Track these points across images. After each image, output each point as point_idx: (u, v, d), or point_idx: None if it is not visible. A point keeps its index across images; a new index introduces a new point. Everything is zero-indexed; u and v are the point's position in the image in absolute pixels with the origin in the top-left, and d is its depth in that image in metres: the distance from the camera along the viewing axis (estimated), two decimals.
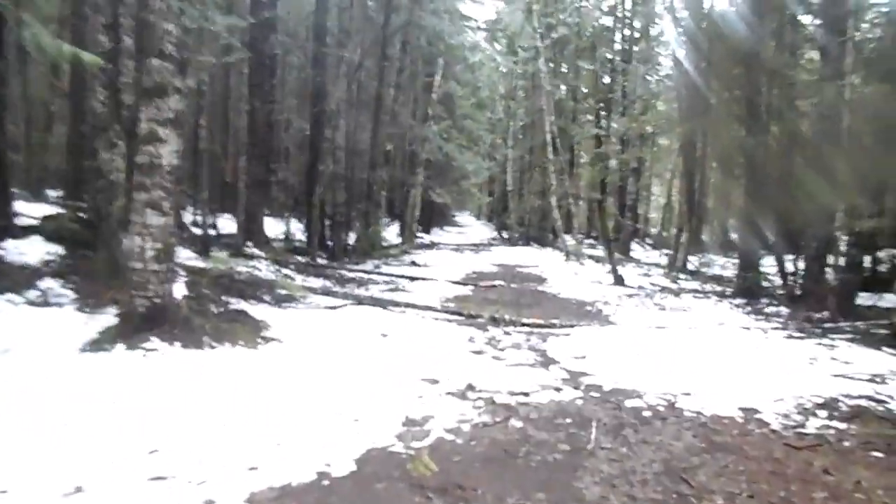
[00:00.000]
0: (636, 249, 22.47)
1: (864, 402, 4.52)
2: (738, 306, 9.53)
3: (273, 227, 20.85)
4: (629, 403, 4.39)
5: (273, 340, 5.88)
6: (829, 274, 8.74)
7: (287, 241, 15.48)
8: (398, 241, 20.02)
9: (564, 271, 14.95)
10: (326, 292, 8.44)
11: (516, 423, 3.96)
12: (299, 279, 9.94)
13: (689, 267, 16.03)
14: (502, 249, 23.72)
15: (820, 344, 6.49)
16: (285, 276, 9.88)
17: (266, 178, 12.93)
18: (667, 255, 18.56)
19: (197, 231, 10.44)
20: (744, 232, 10.59)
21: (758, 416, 4.19)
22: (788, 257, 10.07)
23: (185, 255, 8.70)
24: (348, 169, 16.70)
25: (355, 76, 15.71)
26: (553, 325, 7.29)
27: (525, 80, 25.73)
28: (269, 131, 13.63)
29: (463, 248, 23.64)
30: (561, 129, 20.77)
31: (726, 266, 16.34)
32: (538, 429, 3.87)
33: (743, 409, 4.30)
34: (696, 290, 11.11)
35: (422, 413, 4.06)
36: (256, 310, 7.02)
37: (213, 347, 5.35)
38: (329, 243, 15.47)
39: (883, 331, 7.12)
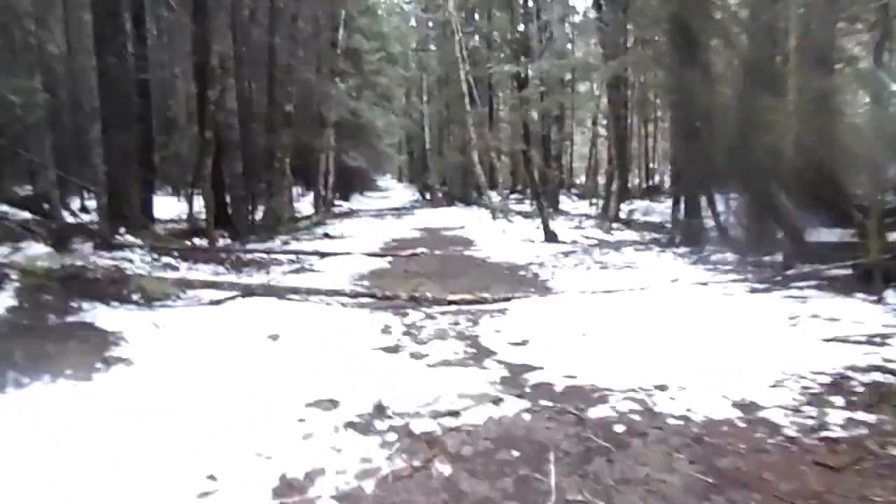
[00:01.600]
0: (564, 201, 21.72)
1: (879, 377, 3.58)
2: (682, 256, 8.70)
3: (173, 208, 18.80)
4: (593, 413, 3.26)
5: (119, 362, 4.40)
6: (779, 213, 7.97)
7: (190, 222, 13.64)
8: (313, 211, 18.42)
9: (492, 231, 13.88)
10: (208, 284, 6.92)
11: (442, 467, 2.75)
12: (184, 267, 8.33)
13: (622, 216, 15.31)
14: (426, 212, 22.49)
15: (789, 297, 5.63)
16: (166, 265, 8.24)
17: (143, 149, 11.01)
18: (595, 204, 17.85)
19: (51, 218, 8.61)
20: (686, 173, 9.74)
21: (761, 413, 3.16)
22: (731, 197, 9.29)
23: (34, 251, 6.99)
24: (244, 135, 14.88)
25: (245, 27, 13.79)
26: (484, 301, 6.12)
27: (436, 29, 24.15)
28: (141, 94, 11.67)
29: (384, 214, 22.28)
30: (477, 79, 19.48)
31: (650, 212, 15.74)
32: (474, 475, 2.67)
33: (739, 406, 3.26)
34: (635, 242, 10.24)
35: (306, 466, 2.77)
36: (115, 316, 5.47)
37: (21, 385, 3.85)
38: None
39: (845, 271, 6.34)
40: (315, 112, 17.71)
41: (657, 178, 29.06)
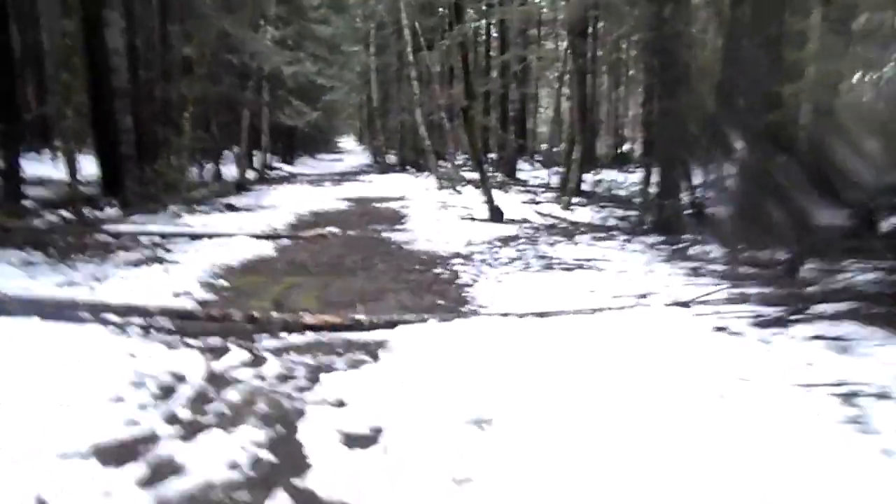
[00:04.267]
0: (524, 169, 19.64)
1: None
2: (653, 248, 6.69)
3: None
4: None
5: None
6: (781, 192, 5.99)
7: (72, 188, 11.04)
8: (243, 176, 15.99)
9: (432, 205, 11.73)
10: None
11: None
12: None
13: (585, 188, 13.31)
14: (371, 178, 20.23)
15: (819, 338, 3.62)
16: None
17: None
18: (558, 174, 15.79)
19: None
20: (661, 139, 7.70)
21: None
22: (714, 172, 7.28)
23: None
24: (137, 83, 12.34)
25: None
26: (357, 326, 4.02)
27: None
28: None
29: (324, 180, 19.95)
30: (429, 28, 17.07)
31: (617, 186, 13.78)
32: None
33: None
34: (596, 228, 8.18)
35: None
36: None
37: None
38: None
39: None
40: (235, 62, 15.10)
41: (627, 146, 27.20)
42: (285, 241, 7.85)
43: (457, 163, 18.42)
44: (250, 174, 19.66)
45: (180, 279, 5.68)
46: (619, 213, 9.96)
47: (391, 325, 4.02)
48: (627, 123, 27.35)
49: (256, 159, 20.93)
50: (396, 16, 18.42)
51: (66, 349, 3.58)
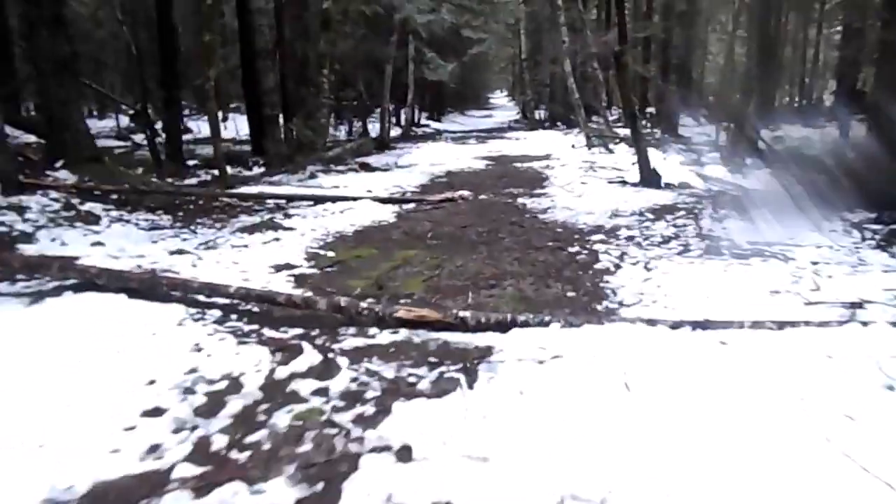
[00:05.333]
0: (687, 124, 17.47)
1: None
2: (860, 228, 5.12)
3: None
4: None
5: None
6: None
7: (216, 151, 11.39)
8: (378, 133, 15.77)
9: (578, 165, 10.55)
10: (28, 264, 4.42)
11: None
12: (105, 221, 6.04)
13: (761, 145, 11.30)
14: (518, 135, 19.19)
15: None
16: (83, 216, 5.99)
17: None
18: (728, 130, 13.69)
19: None
20: (882, 87, 5.94)
21: None
22: None
23: None
24: (278, 42, 12.31)
25: None
26: (462, 326, 3.23)
27: None
28: None
29: (469, 137, 19.27)
30: None
31: (804, 144, 11.52)
32: None
33: None
34: (776, 199, 6.55)
35: None
36: None
37: None
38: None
39: None
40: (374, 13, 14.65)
41: (814, 96, 23.48)
42: (410, 206, 7.23)
43: (610, 118, 16.82)
44: (395, 131, 19.55)
45: (289, 248, 5.28)
46: (807, 178, 8.14)
47: (502, 326, 3.18)
48: (816, 71, 23.56)
49: (403, 116, 20.76)
50: None
51: (135, 336, 3.19)
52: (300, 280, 4.40)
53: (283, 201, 7.26)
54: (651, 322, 3.07)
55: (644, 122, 15.01)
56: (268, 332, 3.35)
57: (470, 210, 6.92)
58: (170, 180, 9.97)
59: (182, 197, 7.18)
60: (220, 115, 18.72)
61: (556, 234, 5.48)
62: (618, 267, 4.25)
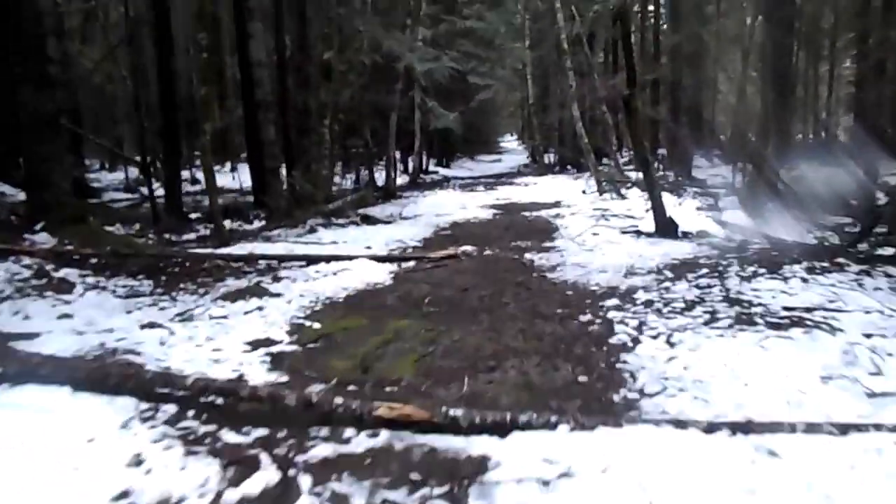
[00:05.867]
0: (700, 165, 17.04)
1: None
2: None
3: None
4: None
5: None
6: None
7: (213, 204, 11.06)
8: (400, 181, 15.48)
9: (589, 213, 10.10)
10: None
11: None
12: (79, 289, 5.62)
13: (780, 185, 10.79)
14: (527, 180, 18.86)
15: None
16: (55, 284, 5.58)
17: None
18: (743, 171, 13.20)
19: None
20: None
21: None
22: None
23: None
24: (282, 93, 12.12)
25: None
26: (453, 427, 2.70)
27: None
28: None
29: (478, 184, 18.99)
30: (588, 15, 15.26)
31: (826, 181, 10.99)
32: None
33: None
34: (810, 250, 6.01)
35: None
36: None
37: None
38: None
39: None
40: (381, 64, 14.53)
41: (829, 133, 23.01)
42: (410, 264, 6.76)
43: (621, 161, 16.44)
44: (403, 179, 19.27)
45: (272, 319, 4.81)
46: (837, 224, 7.61)
47: (500, 428, 2.64)
48: (830, 108, 23.15)
49: (411, 164, 20.53)
50: (552, 2, 16.83)
51: (66, 445, 2.69)
52: (277, 360, 3.91)
53: (275, 262, 6.83)
54: (680, 424, 2.52)
55: (657, 165, 14.60)
56: (225, 436, 2.83)
57: (473, 268, 6.43)
58: (167, 236, 9.67)
59: (166, 259, 6.76)
60: (228, 165, 18.71)
61: (565, 297, 4.95)
62: (636, 341, 3.71)
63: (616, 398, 3.00)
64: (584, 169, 17.30)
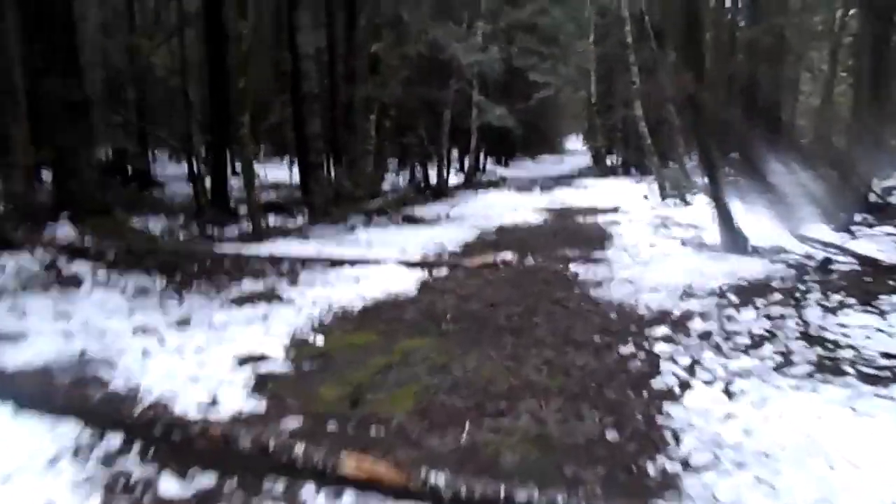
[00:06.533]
0: (777, 172, 15.68)
1: None
2: None
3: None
4: None
5: None
6: None
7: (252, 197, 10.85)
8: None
9: (649, 221, 9.25)
10: None
11: None
12: (88, 284, 5.32)
13: (872, 197, 9.66)
14: (588, 182, 17.94)
15: None
16: (63, 280, 5.29)
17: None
18: (826, 178, 11.94)
19: None
20: None
21: None
22: None
23: None
24: (331, 87, 11.78)
25: None
26: (432, 497, 2.10)
27: None
28: None
29: (534, 185, 18.15)
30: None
31: None
32: None
33: None
34: None
35: None
36: None
37: None
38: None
39: None
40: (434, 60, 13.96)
41: None
42: (442, 271, 6.18)
43: (688, 165, 15.32)
44: (458, 178, 18.70)
45: (275, 329, 4.33)
46: None
47: None
48: None
49: (467, 162, 19.92)
50: None
51: None
52: (262, 383, 3.41)
53: (300, 263, 6.39)
54: None
55: (726, 170, 13.47)
56: (162, 486, 2.33)
57: (509, 279, 5.79)
58: (209, 229, 9.49)
59: (186, 257, 6.42)
60: (286, 159, 18.61)
61: (606, 321, 4.25)
62: (685, 387, 3.00)
63: (651, 469, 2.32)
64: (648, 172, 16.29)
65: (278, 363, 3.73)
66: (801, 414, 2.59)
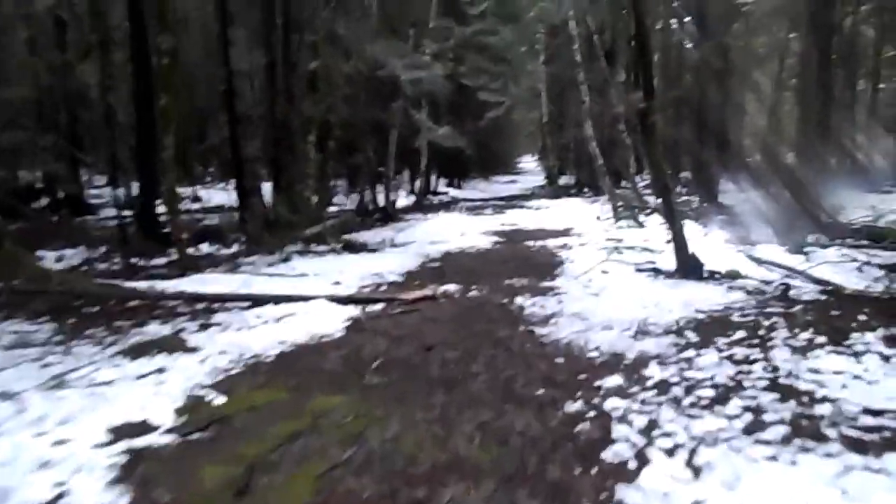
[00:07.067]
0: (727, 190, 15.68)
1: None
2: None
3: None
4: None
5: None
6: None
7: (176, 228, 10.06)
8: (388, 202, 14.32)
9: (602, 245, 8.86)
10: None
11: None
12: None
13: (823, 217, 9.49)
14: (540, 203, 17.64)
15: None
16: None
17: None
18: (777, 197, 11.86)
19: None
20: None
21: None
22: None
23: None
24: (270, 107, 11.12)
25: None
26: None
27: None
28: None
29: (486, 207, 17.82)
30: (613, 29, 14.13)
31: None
32: None
33: None
34: (873, 305, 4.67)
35: None
36: None
37: None
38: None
39: None
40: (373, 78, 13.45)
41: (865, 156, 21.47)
42: (377, 307, 5.60)
43: (640, 185, 15.16)
44: (408, 200, 18.17)
45: (168, 387, 3.70)
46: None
47: None
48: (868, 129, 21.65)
49: (418, 184, 19.42)
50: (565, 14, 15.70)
51: None
52: (132, 464, 2.76)
53: (213, 303, 5.71)
54: None
55: (679, 190, 13.33)
56: None
57: (449, 315, 5.24)
58: (134, 260, 8.76)
59: (73, 300, 5.66)
60: (233, 182, 17.74)
61: (553, 367, 3.73)
62: (642, 459, 2.48)
63: None
64: (602, 192, 16.09)
65: (160, 434, 3.09)
66: (781, 495, 2.10)
